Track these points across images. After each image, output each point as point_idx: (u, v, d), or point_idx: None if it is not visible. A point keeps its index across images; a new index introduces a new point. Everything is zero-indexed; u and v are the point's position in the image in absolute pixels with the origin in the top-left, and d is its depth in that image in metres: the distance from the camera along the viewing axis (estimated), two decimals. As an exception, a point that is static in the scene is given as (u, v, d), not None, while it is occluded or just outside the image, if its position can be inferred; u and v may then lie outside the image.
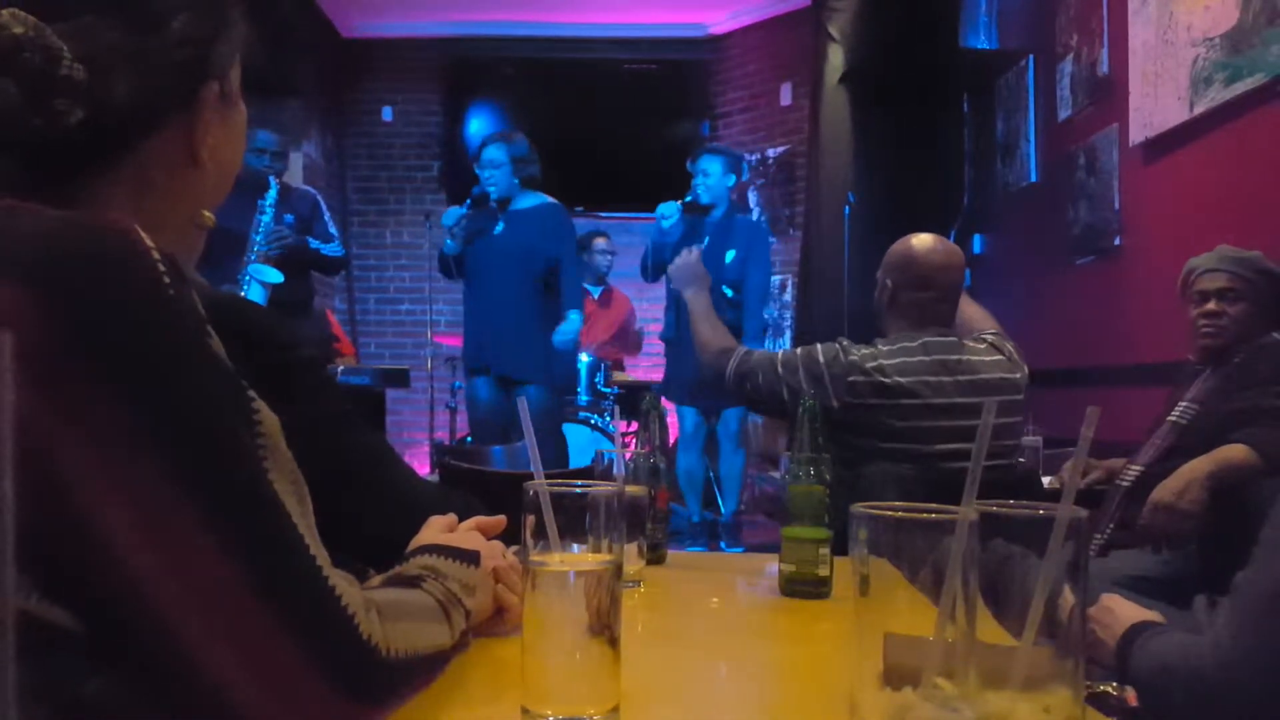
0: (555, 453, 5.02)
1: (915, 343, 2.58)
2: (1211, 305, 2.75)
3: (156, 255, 0.72)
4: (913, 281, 2.63)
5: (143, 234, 0.73)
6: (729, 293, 5.43)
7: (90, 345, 0.67)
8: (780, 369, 2.61)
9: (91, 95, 0.82)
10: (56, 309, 0.67)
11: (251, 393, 0.76)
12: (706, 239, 5.41)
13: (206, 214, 0.96)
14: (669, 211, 5.44)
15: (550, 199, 5.01)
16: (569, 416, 5.82)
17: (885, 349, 2.59)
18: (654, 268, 5.56)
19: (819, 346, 2.61)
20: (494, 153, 4.93)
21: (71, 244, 0.70)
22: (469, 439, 6.32)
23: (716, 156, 5.58)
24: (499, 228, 4.92)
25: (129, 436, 0.68)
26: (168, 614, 0.68)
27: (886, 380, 2.52)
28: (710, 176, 5.49)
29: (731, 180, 5.60)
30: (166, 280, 0.72)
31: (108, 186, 0.87)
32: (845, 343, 2.63)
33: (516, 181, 4.93)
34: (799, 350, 2.63)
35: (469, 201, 4.95)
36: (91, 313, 0.68)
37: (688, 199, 5.51)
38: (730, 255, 5.49)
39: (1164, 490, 2.46)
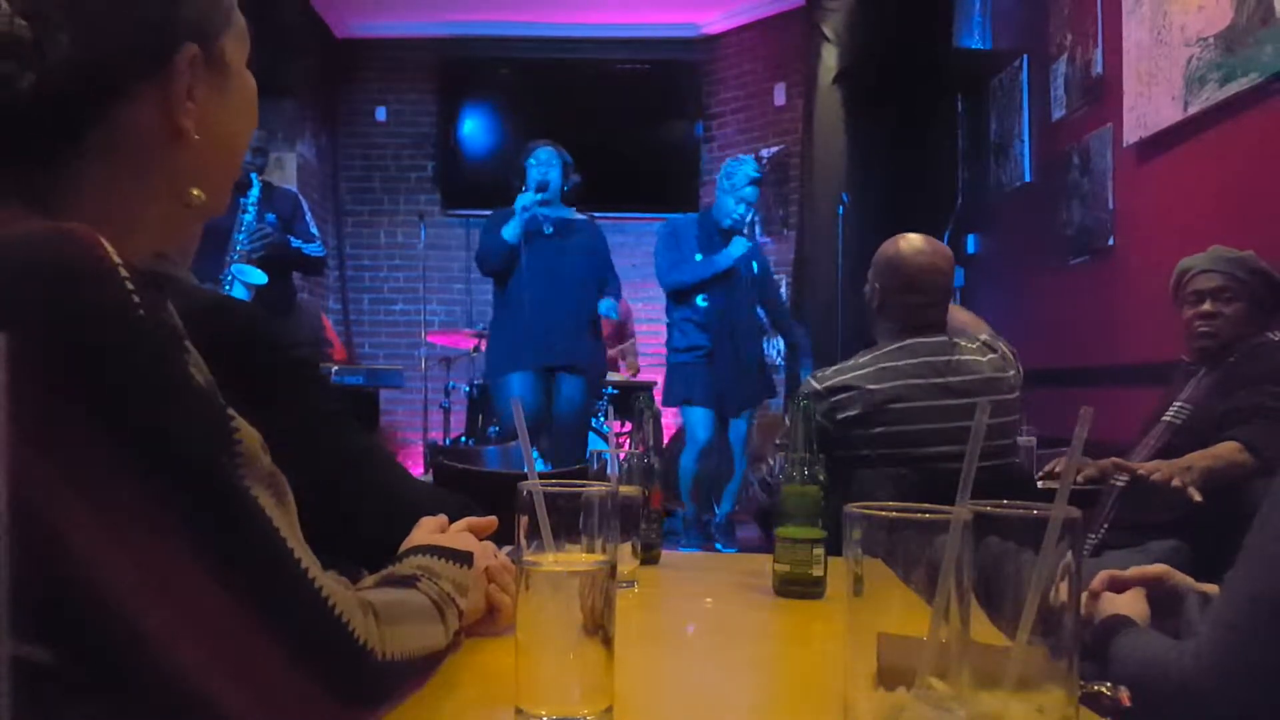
0: (579, 447, 5.17)
1: (900, 346, 2.58)
2: (1207, 305, 2.75)
3: (124, 272, 0.68)
4: (900, 285, 2.62)
5: (109, 248, 0.69)
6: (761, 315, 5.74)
7: (56, 374, 0.65)
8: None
9: (41, 56, 0.76)
10: (20, 333, 0.61)
11: (230, 410, 0.73)
12: (755, 263, 5.64)
13: (195, 191, 0.89)
14: (741, 250, 5.49)
15: (583, 215, 5.23)
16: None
17: (864, 359, 2.60)
18: (687, 287, 5.60)
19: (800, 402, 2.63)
20: (548, 153, 5.07)
21: (29, 263, 0.66)
22: (464, 439, 6.33)
23: (756, 186, 5.61)
24: (549, 229, 5.00)
25: (102, 465, 0.66)
26: (157, 636, 0.67)
27: (858, 393, 2.53)
28: (753, 206, 5.63)
29: (755, 193, 5.67)
30: (135, 299, 0.68)
31: (80, 165, 0.82)
32: (818, 374, 2.63)
33: (565, 187, 5.07)
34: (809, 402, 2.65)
35: (538, 193, 4.99)
36: (54, 339, 0.65)
37: (745, 215, 5.59)
38: (755, 268, 5.68)
39: (1168, 465, 2.48)
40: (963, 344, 2.63)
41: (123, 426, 0.67)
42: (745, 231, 5.61)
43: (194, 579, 0.68)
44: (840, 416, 2.54)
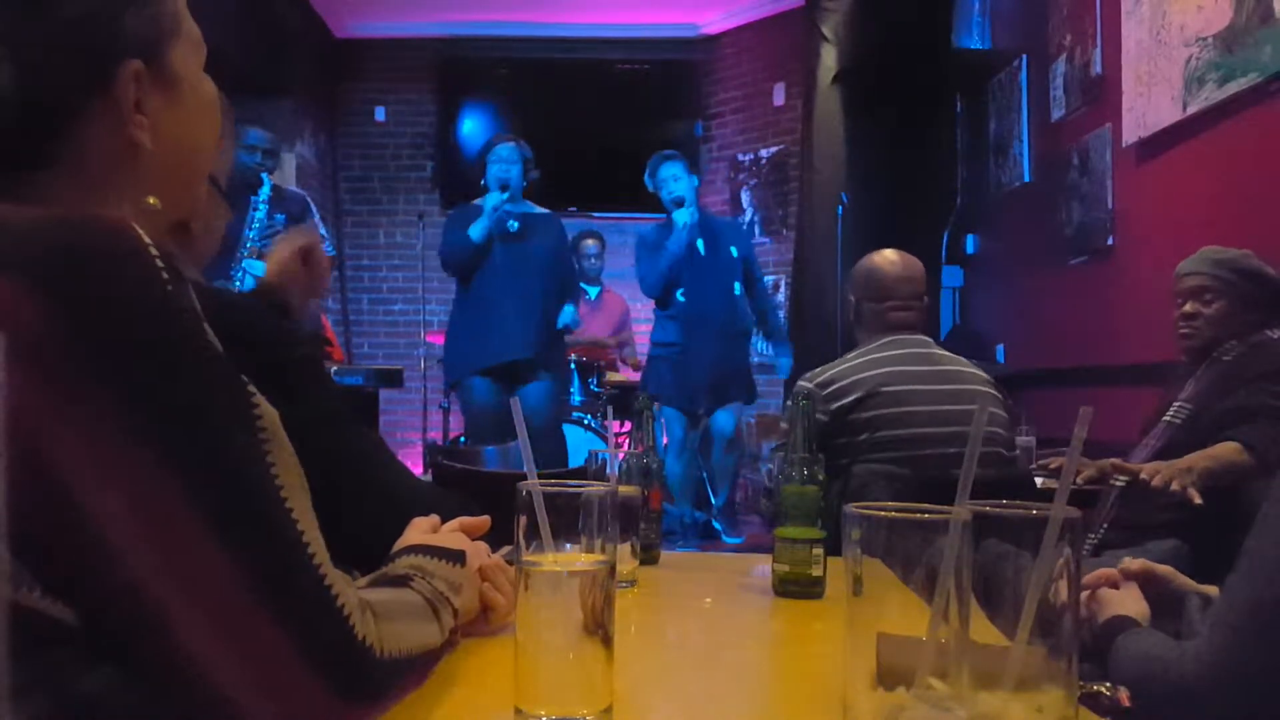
0: (555, 449, 5.10)
1: (883, 342, 2.75)
2: (1188, 307, 2.80)
3: (154, 251, 0.71)
4: (874, 293, 2.82)
5: (139, 230, 0.72)
6: (738, 289, 5.58)
7: (88, 343, 0.67)
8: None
9: None
10: (54, 308, 0.66)
11: (251, 387, 0.75)
12: (700, 241, 5.48)
13: (151, 200, 0.91)
14: (685, 216, 5.41)
15: (544, 209, 5.15)
16: (564, 416, 5.82)
17: (850, 356, 2.78)
18: (666, 283, 5.54)
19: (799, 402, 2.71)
20: (509, 150, 5.02)
21: (68, 242, 0.69)
22: (463, 439, 6.32)
23: (677, 161, 5.57)
24: (513, 226, 4.96)
25: (129, 434, 0.67)
26: (166, 610, 0.68)
27: (851, 382, 2.67)
28: (680, 179, 5.49)
29: (695, 181, 5.64)
30: (165, 276, 0.71)
31: (43, 182, 0.84)
32: (807, 375, 2.78)
33: (525, 184, 5.03)
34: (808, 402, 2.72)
35: (504, 192, 4.95)
36: (89, 311, 0.68)
37: (676, 195, 5.48)
38: (734, 252, 5.61)
39: (1167, 468, 2.48)
40: (936, 343, 2.83)
41: (151, 394, 0.69)
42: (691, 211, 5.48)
43: (205, 551, 0.69)
44: (835, 406, 2.66)
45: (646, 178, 5.60)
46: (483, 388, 4.96)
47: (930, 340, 2.80)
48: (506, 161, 4.99)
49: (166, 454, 0.68)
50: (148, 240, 0.72)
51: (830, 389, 2.67)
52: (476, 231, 4.91)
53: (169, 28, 0.93)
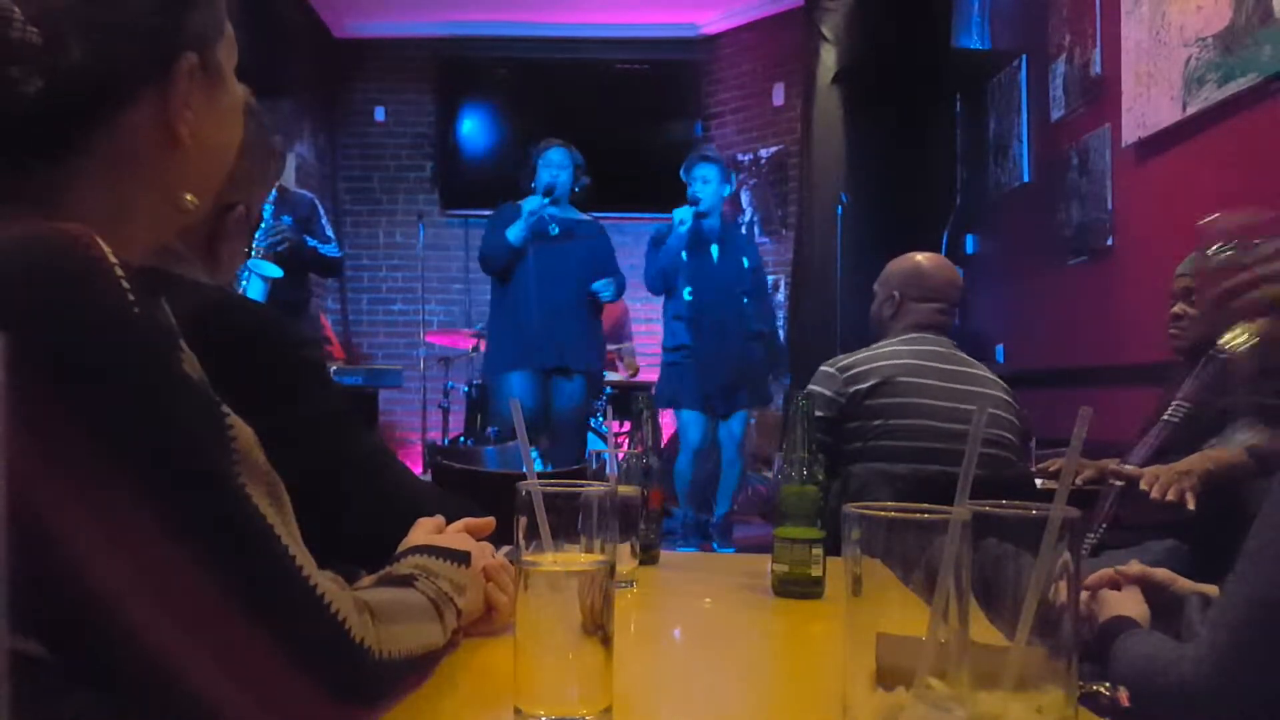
0: (578, 448, 5.20)
1: (911, 336, 2.81)
2: (1176, 308, 2.85)
3: (120, 271, 0.69)
4: (924, 294, 2.89)
5: (105, 247, 0.69)
6: (744, 300, 5.60)
7: (52, 369, 0.65)
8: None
9: (50, 62, 0.77)
10: (13, 331, 0.64)
11: (225, 408, 0.73)
12: (714, 246, 5.48)
13: (189, 197, 0.90)
14: (686, 216, 5.40)
15: (589, 217, 5.25)
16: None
17: (876, 345, 2.83)
18: (666, 276, 5.53)
19: (817, 388, 2.77)
20: (560, 154, 5.08)
21: (27, 261, 0.67)
22: (462, 439, 6.33)
23: (713, 164, 5.57)
24: (554, 230, 4.99)
25: (97, 461, 0.66)
26: (153, 633, 0.67)
27: (873, 368, 2.73)
28: (710, 184, 5.49)
29: (727, 190, 5.65)
30: (131, 297, 0.69)
31: (77, 168, 0.82)
32: (830, 361, 2.83)
33: (574, 189, 5.10)
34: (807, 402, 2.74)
35: (545, 197, 4.99)
36: (52, 335, 0.65)
37: (700, 207, 5.46)
38: (746, 263, 5.61)
39: (1166, 474, 2.48)
40: (959, 347, 2.87)
41: (117, 423, 0.67)
42: (703, 209, 5.47)
43: (188, 577, 0.68)
44: (852, 390, 2.72)
45: (681, 172, 5.61)
46: (519, 384, 5.02)
47: (955, 344, 2.86)
48: (556, 166, 5.04)
49: (135, 479, 0.67)
50: (113, 258, 0.69)
51: (849, 373, 2.74)
52: (514, 234, 4.94)
53: (218, 27, 0.92)
